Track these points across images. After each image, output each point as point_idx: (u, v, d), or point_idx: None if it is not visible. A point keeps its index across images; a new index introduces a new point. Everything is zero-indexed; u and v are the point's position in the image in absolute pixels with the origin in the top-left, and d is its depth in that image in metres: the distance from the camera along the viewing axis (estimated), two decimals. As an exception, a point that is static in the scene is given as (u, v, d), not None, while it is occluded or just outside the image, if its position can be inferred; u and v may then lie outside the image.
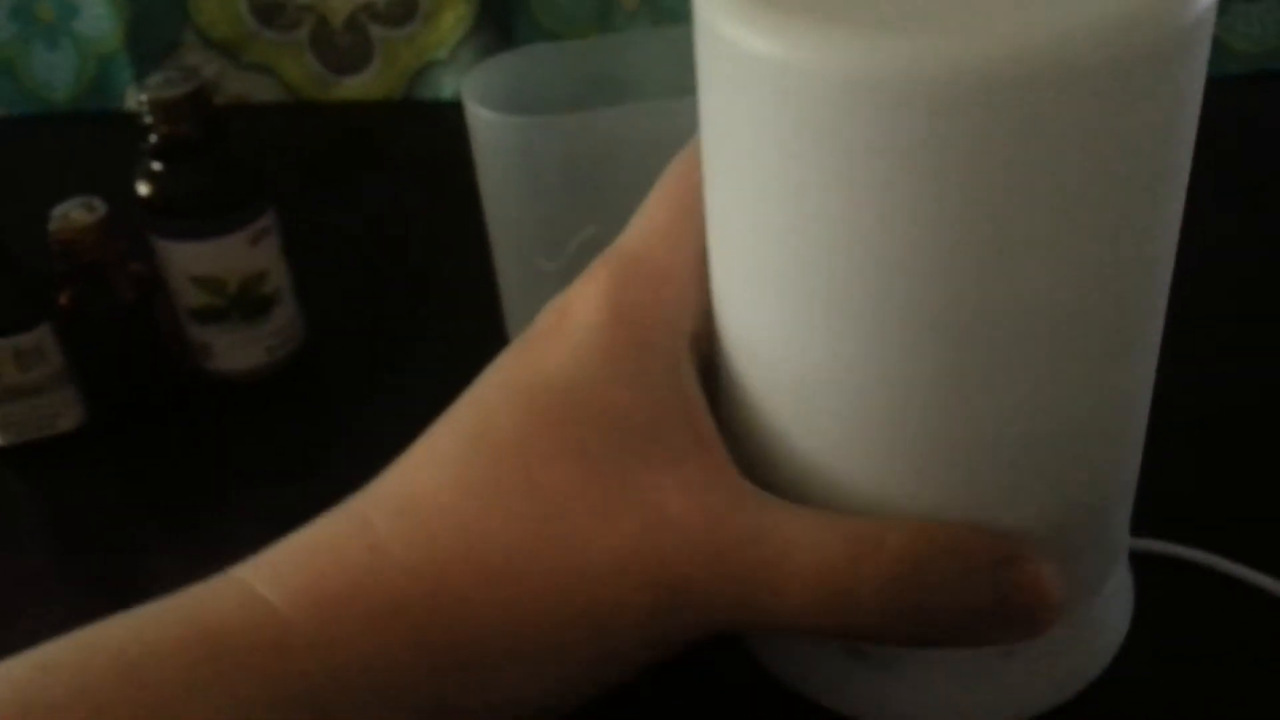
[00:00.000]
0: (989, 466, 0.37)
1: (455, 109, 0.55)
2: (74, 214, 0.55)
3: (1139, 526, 0.45)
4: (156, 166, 0.55)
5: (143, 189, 0.56)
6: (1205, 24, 0.32)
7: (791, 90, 0.32)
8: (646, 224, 0.41)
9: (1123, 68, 0.30)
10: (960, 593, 0.35)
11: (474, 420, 0.38)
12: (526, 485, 0.35)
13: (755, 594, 0.34)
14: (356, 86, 0.87)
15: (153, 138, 0.55)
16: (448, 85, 0.85)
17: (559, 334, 0.39)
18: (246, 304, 0.58)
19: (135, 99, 0.85)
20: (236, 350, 0.59)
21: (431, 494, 0.36)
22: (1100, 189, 0.32)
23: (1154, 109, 0.32)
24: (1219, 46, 0.81)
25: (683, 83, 0.60)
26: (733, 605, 0.35)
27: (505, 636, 0.33)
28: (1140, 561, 0.46)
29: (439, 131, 0.83)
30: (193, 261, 0.56)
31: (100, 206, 0.55)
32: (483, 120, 0.54)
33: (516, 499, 0.35)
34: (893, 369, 0.35)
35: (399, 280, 0.69)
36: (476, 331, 0.63)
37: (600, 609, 0.34)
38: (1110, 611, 0.44)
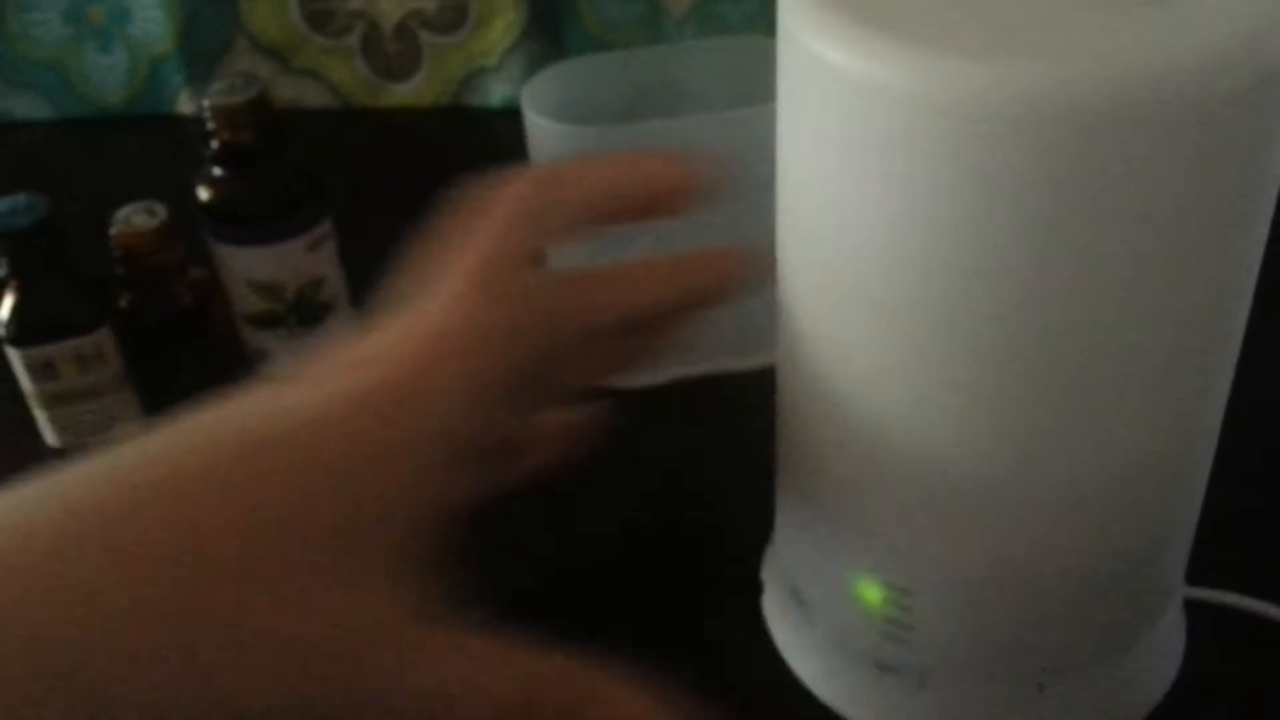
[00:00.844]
0: (1051, 502, 0.36)
1: (504, 116, 0.55)
2: (135, 219, 0.55)
3: (1196, 574, 0.45)
4: (218, 172, 0.56)
5: (203, 194, 0.56)
6: None
7: (880, 109, 0.31)
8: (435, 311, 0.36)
9: (1218, 103, 0.30)
10: None
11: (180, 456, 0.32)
12: (192, 558, 0.30)
13: None
14: (406, 93, 0.87)
15: (214, 144, 0.55)
16: (496, 92, 0.85)
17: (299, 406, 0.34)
18: (303, 310, 0.58)
19: (191, 103, 0.86)
20: (292, 357, 0.59)
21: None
22: (1187, 225, 0.32)
23: (1244, 146, 0.31)
24: None
25: (735, 93, 0.60)
26: None
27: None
28: (1195, 610, 0.46)
29: (488, 138, 0.83)
30: (251, 267, 0.57)
31: (161, 211, 0.55)
32: (541, 129, 0.54)
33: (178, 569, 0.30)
34: (954, 397, 0.35)
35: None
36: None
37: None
38: (1155, 657, 0.44)
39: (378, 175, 0.82)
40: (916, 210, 0.32)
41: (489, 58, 0.85)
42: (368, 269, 0.66)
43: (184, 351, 0.58)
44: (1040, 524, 0.37)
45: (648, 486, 0.55)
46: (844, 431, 0.38)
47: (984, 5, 0.32)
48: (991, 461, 0.36)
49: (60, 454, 0.58)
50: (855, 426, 0.38)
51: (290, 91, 0.87)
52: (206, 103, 0.54)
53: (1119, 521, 0.38)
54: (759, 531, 0.48)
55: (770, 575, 0.48)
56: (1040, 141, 0.30)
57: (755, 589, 0.49)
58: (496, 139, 0.56)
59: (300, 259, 0.57)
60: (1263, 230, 0.35)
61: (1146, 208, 0.31)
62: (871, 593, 0.41)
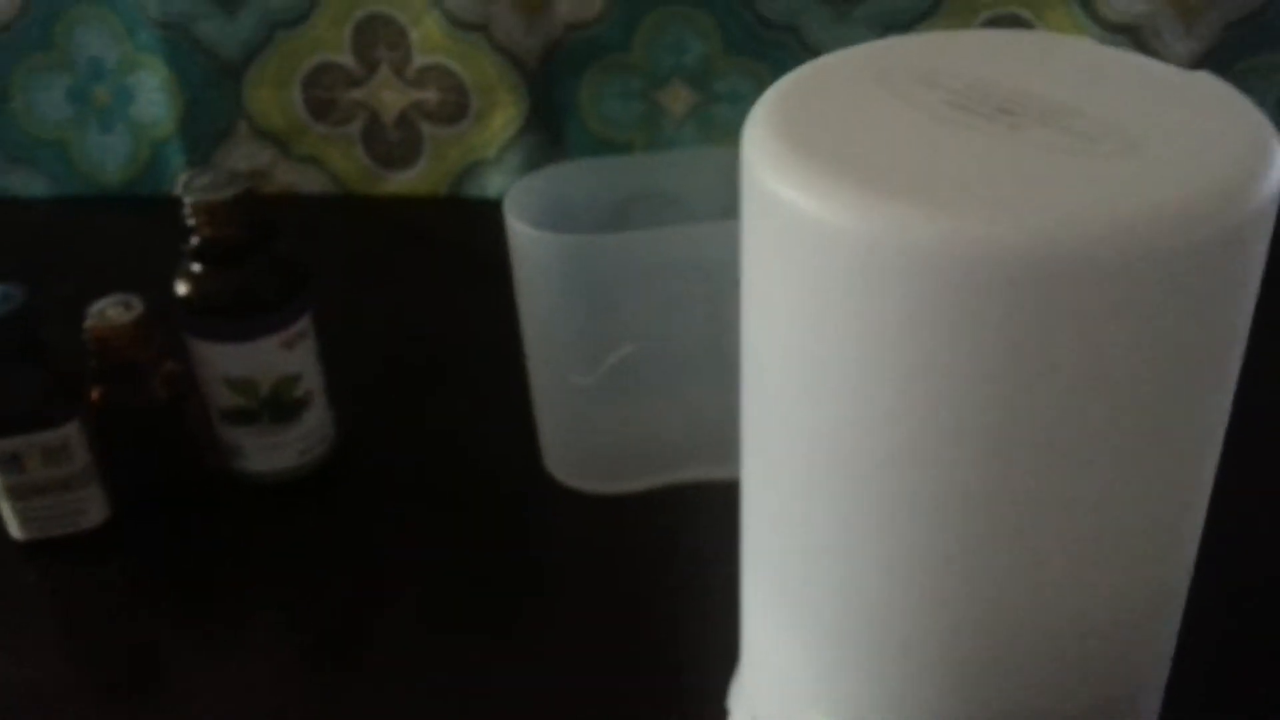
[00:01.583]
0: (1016, 656, 0.35)
1: (501, 208, 0.55)
2: (110, 312, 0.55)
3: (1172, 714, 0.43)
4: (196, 268, 0.56)
5: (181, 289, 0.56)
6: (1268, 212, 0.31)
7: (836, 254, 0.31)
8: None
9: (1181, 259, 0.29)
10: None
11: None
12: None
13: None
14: (404, 182, 0.87)
15: (194, 239, 0.55)
16: (495, 184, 0.85)
17: None
18: (278, 407, 0.58)
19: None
20: (266, 452, 0.59)
21: None
22: (1153, 375, 0.31)
23: (1205, 302, 0.30)
24: None
25: (727, 202, 0.60)
26: None
27: None
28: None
29: (483, 229, 0.83)
30: (226, 363, 0.56)
31: (138, 305, 0.55)
32: (522, 235, 0.54)
33: None
34: (920, 547, 0.34)
35: (435, 384, 0.69)
36: (509, 441, 0.62)
37: None
38: None
39: (374, 264, 0.82)
40: (872, 357, 0.31)
41: (488, 150, 0.85)
42: (353, 360, 0.66)
43: (155, 446, 0.58)
44: (1005, 678, 0.36)
45: (623, 593, 0.54)
46: (804, 567, 0.37)
47: (948, 153, 0.31)
48: (955, 614, 0.35)
49: (24, 546, 0.57)
50: (817, 570, 0.37)
51: (290, 177, 0.88)
52: (188, 198, 0.54)
53: (1085, 677, 0.36)
54: (733, 652, 0.47)
55: (735, 704, 0.47)
56: (996, 293, 0.29)
57: (721, 714, 0.47)
58: (493, 231, 0.55)
59: (275, 356, 0.56)
60: (1230, 383, 0.34)
61: (1108, 364, 0.30)
62: (831, 735, 0.39)
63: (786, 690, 0.41)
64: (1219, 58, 0.75)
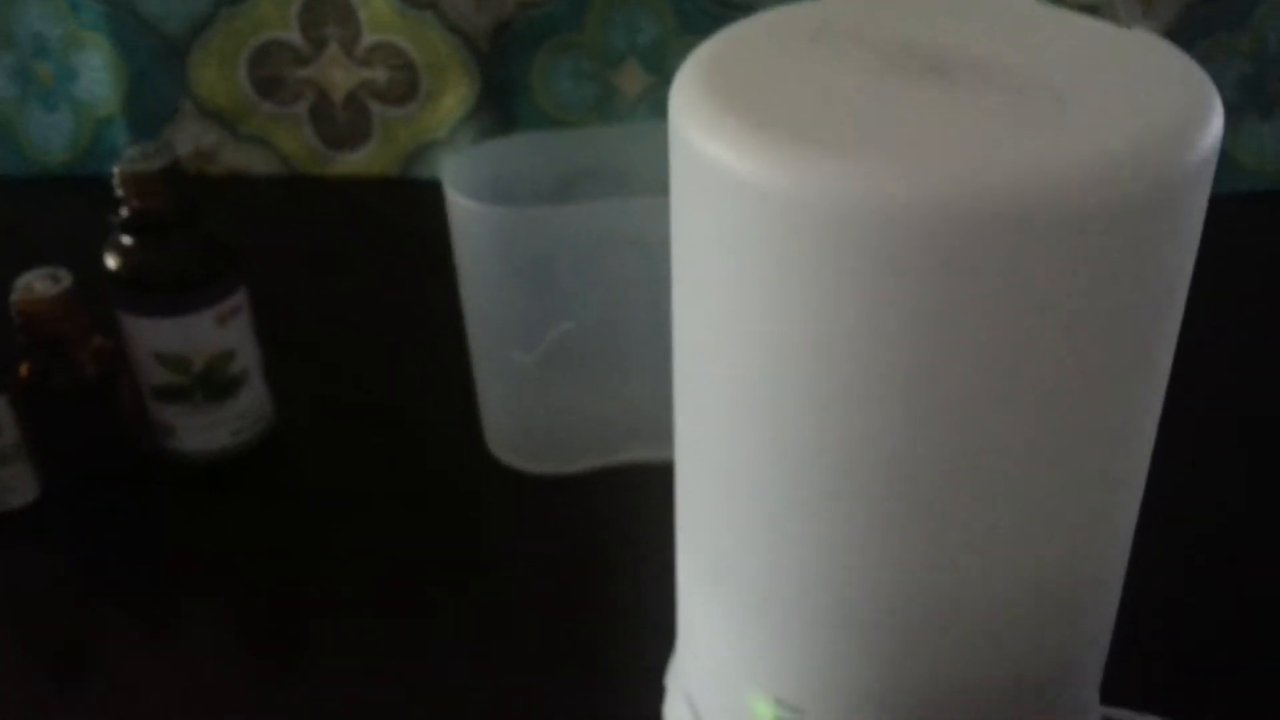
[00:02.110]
0: (949, 623, 0.34)
1: (446, 207, 0.54)
2: (37, 285, 0.53)
3: (1111, 696, 0.43)
4: (126, 240, 0.54)
5: (111, 262, 0.54)
6: (1206, 168, 0.30)
7: (758, 209, 0.30)
8: None
9: (1103, 213, 0.28)
10: None
11: None
12: None
13: None
14: (354, 163, 0.86)
15: (124, 211, 0.54)
16: (445, 167, 0.84)
17: None
18: (211, 384, 0.56)
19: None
20: (200, 431, 0.57)
21: None
22: (1082, 334, 0.30)
23: (1132, 258, 0.30)
24: (1229, 164, 0.79)
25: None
26: None
27: None
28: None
29: (433, 212, 0.82)
30: (157, 338, 0.55)
31: (66, 278, 0.54)
32: (460, 208, 0.53)
33: None
34: (847, 516, 0.33)
35: (376, 363, 0.68)
36: (451, 420, 0.61)
37: None
38: None
39: (321, 246, 0.81)
40: (795, 315, 0.30)
41: (440, 130, 0.84)
42: (294, 341, 0.65)
43: (85, 423, 0.56)
44: (939, 645, 0.35)
45: (564, 574, 0.53)
46: (734, 542, 0.36)
47: (876, 110, 0.30)
48: (885, 581, 0.34)
49: (-51, 526, 0.55)
50: (746, 538, 0.36)
51: (237, 158, 0.86)
52: (116, 169, 0.53)
53: (1018, 645, 0.36)
54: (671, 631, 0.46)
55: (672, 681, 0.46)
56: (919, 249, 0.28)
57: (659, 692, 0.46)
58: (442, 213, 0.54)
59: (209, 332, 0.55)
60: (1168, 344, 0.33)
61: (1037, 321, 0.30)
62: (764, 710, 0.38)
63: (720, 667, 0.40)
64: (1178, 37, 0.74)
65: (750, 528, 0.36)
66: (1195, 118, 0.30)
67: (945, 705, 0.36)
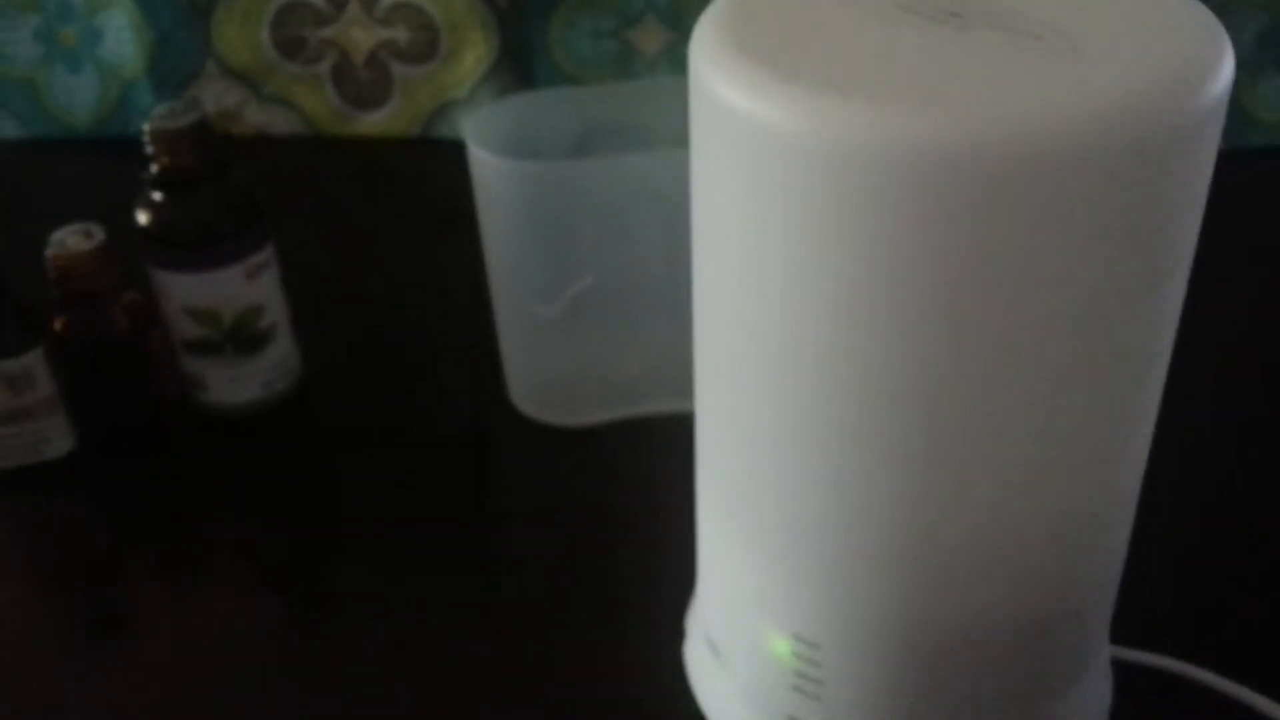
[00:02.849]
0: (960, 561, 0.35)
1: (469, 161, 0.55)
2: (71, 240, 0.54)
3: (1121, 636, 0.44)
4: (156, 196, 0.55)
5: (142, 218, 0.55)
6: (1218, 110, 0.31)
7: (778, 154, 0.31)
8: None
9: (1118, 155, 0.29)
10: None
11: None
12: None
13: None
14: (375, 122, 0.87)
15: (154, 168, 0.55)
16: (465, 125, 0.84)
17: None
18: (241, 338, 0.57)
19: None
20: (230, 384, 0.59)
21: None
22: (1096, 274, 0.31)
23: (1147, 200, 0.30)
24: (1247, 119, 0.79)
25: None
26: None
27: None
28: (1120, 671, 0.45)
29: (453, 170, 0.83)
30: (188, 293, 0.56)
31: (99, 233, 0.55)
32: (483, 164, 0.53)
33: None
34: (865, 455, 0.34)
35: (401, 319, 0.69)
36: (474, 374, 0.62)
37: None
38: (1075, 718, 0.42)
39: (344, 205, 0.82)
40: (815, 257, 0.31)
41: (459, 90, 0.84)
42: (321, 298, 0.66)
43: (118, 376, 0.57)
44: (950, 583, 0.36)
45: (584, 522, 0.55)
46: (754, 482, 0.37)
47: (894, 54, 0.31)
48: (901, 519, 0.35)
49: (-12, 476, 0.57)
50: (766, 478, 0.37)
51: (260, 118, 0.87)
52: (146, 126, 0.54)
53: (1031, 583, 0.37)
54: (690, 578, 0.47)
55: (692, 624, 0.47)
56: (939, 189, 0.29)
57: (679, 633, 0.48)
58: (462, 172, 0.55)
59: (237, 286, 0.56)
60: (1179, 288, 0.34)
61: (1053, 261, 0.30)
62: (781, 646, 0.39)
63: (738, 606, 0.41)
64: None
65: (767, 468, 0.37)
66: (1207, 60, 0.31)
67: (957, 640, 0.37)
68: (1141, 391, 0.35)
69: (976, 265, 0.30)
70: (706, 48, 0.33)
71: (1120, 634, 0.44)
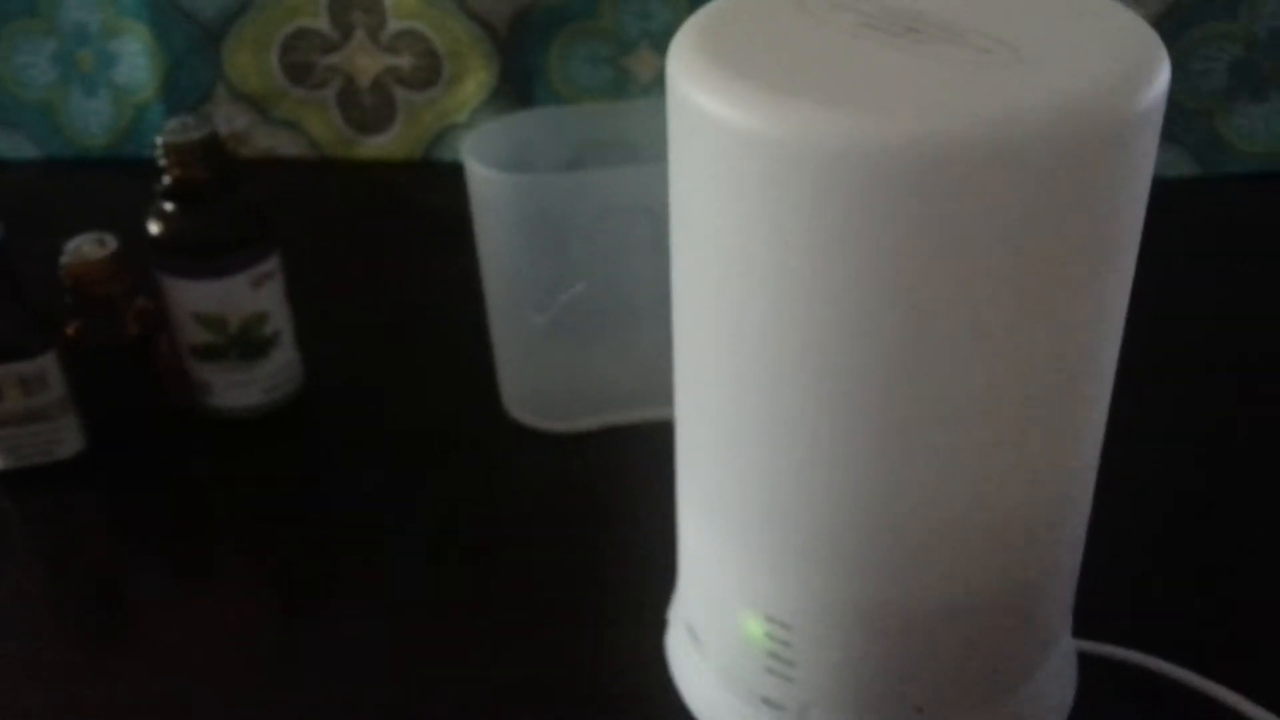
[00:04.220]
0: (925, 545, 0.38)
1: (465, 175, 0.58)
2: (85, 248, 0.57)
3: (1093, 628, 0.46)
4: (167, 207, 0.58)
5: (153, 228, 0.58)
6: (1153, 115, 0.33)
7: (747, 156, 0.33)
8: None
9: (1062, 152, 0.31)
10: None
11: None
12: None
13: None
14: (379, 146, 0.90)
15: (166, 179, 0.57)
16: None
17: None
18: (246, 344, 0.60)
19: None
20: (234, 389, 0.61)
21: None
22: (1044, 269, 0.33)
23: (1101, 191, 0.33)
24: (1223, 146, 0.82)
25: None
26: None
27: None
28: (1090, 664, 0.46)
29: (454, 192, 0.85)
30: (196, 299, 0.58)
31: (111, 242, 0.57)
32: (478, 176, 0.56)
33: None
34: (836, 442, 0.36)
35: (399, 330, 0.71)
36: (469, 382, 0.64)
37: None
38: (1039, 705, 0.44)
39: (346, 223, 0.84)
40: (784, 258, 0.34)
41: (460, 114, 0.87)
42: (322, 310, 0.68)
43: (127, 379, 0.60)
44: (914, 566, 0.38)
45: (574, 523, 0.57)
46: (729, 469, 0.40)
47: (856, 64, 0.34)
48: (866, 503, 0.37)
49: (2, 475, 0.59)
50: (740, 470, 0.39)
51: (268, 140, 0.90)
52: (159, 139, 0.56)
53: (993, 566, 0.39)
54: (674, 574, 0.49)
55: (673, 615, 0.49)
56: (888, 181, 0.31)
57: (661, 627, 0.50)
58: (462, 193, 0.58)
59: (244, 294, 0.58)
60: (1124, 281, 0.36)
61: (1005, 255, 0.33)
62: (755, 628, 0.41)
63: (716, 591, 0.43)
64: (1168, 27, 0.77)
65: (741, 460, 0.39)
66: (1142, 66, 0.33)
67: (923, 624, 0.39)
68: (1094, 380, 0.37)
69: (936, 258, 0.32)
70: (681, 56, 0.36)
71: (1084, 628, 0.46)
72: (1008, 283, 0.33)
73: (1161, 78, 0.33)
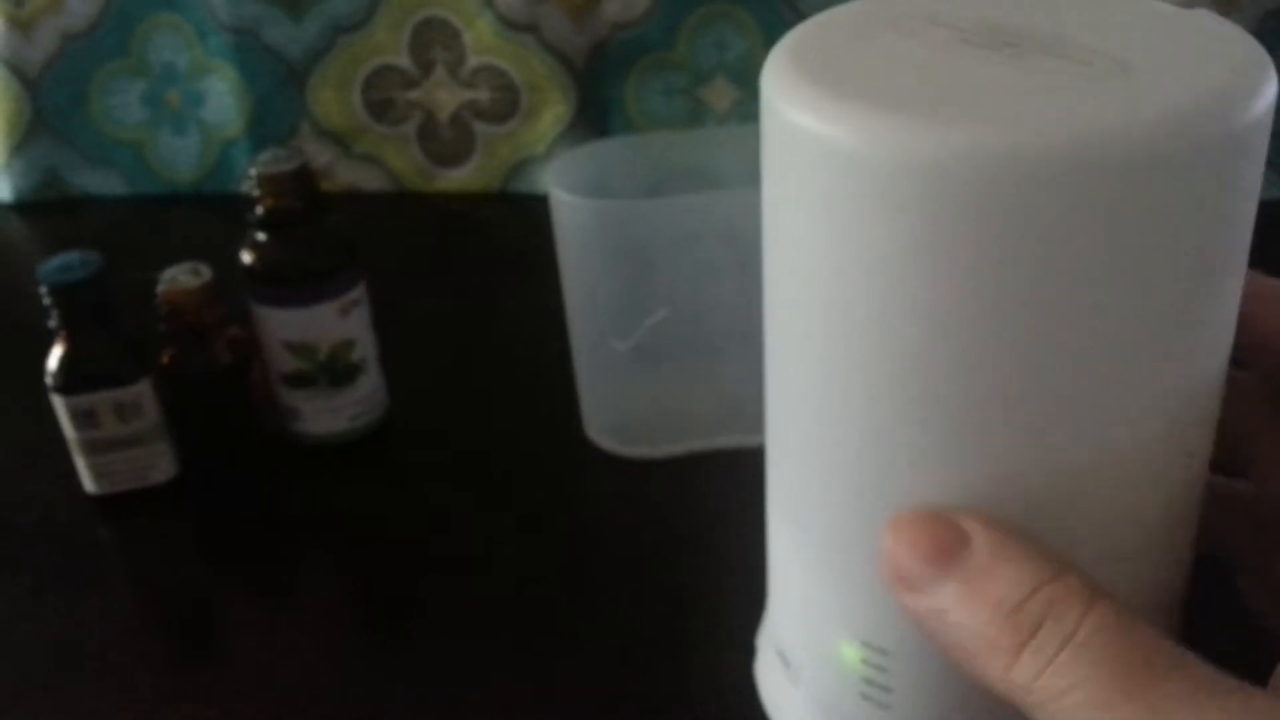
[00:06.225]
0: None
1: (550, 203, 0.58)
2: (181, 278, 0.58)
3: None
4: (260, 236, 0.59)
5: (246, 257, 0.59)
6: (1261, 128, 0.33)
7: (844, 173, 0.33)
8: None
9: (1171, 166, 0.31)
10: None
11: None
12: None
13: None
14: (458, 179, 0.91)
15: (259, 210, 0.59)
16: (543, 181, 0.88)
17: None
18: (334, 371, 0.61)
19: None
20: (322, 415, 0.62)
21: None
22: (1150, 288, 0.33)
23: (1207, 202, 0.32)
24: None
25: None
26: None
27: None
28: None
29: (532, 223, 0.86)
30: (286, 327, 0.59)
31: (206, 272, 0.59)
32: (563, 203, 0.56)
33: None
34: (941, 466, 0.35)
35: (482, 358, 0.72)
36: (550, 408, 0.65)
37: None
38: None
39: (427, 254, 0.85)
40: (886, 277, 0.33)
41: (538, 147, 0.88)
42: (406, 339, 0.69)
43: (220, 406, 0.61)
44: None
45: (657, 550, 0.57)
46: (825, 494, 0.39)
47: (955, 78, 0.33)
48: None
49: (97, 501, 0.60)
50: (836, 490, 0.39)
51: (350, 175, 0.92)
52: (253, 171, 0.58)
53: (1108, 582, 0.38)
54: (762, 601, 0.49)
55: (763, 640, 0.49)
56: (994, 204, 0.31)
57: (750, 653, 0.49)
58: (541, 224, 0.59)
59: (332, 321, 0.59)
60: (1230, 296, 0.36)
61: (1119, 265, 0.32)
62: (850, 653, 0.41)
63: (808, 617, 0.43)
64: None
65: (838, 481, 0.38)
66: (1250, 81, 0.32)
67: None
68: (1207, 395, 0.37)
69: (1048, 274, 0.32)
70: (775, 76, 0.36)
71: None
72: (1121, 290, 0.33)
73: (1270, 89, 0.33)
